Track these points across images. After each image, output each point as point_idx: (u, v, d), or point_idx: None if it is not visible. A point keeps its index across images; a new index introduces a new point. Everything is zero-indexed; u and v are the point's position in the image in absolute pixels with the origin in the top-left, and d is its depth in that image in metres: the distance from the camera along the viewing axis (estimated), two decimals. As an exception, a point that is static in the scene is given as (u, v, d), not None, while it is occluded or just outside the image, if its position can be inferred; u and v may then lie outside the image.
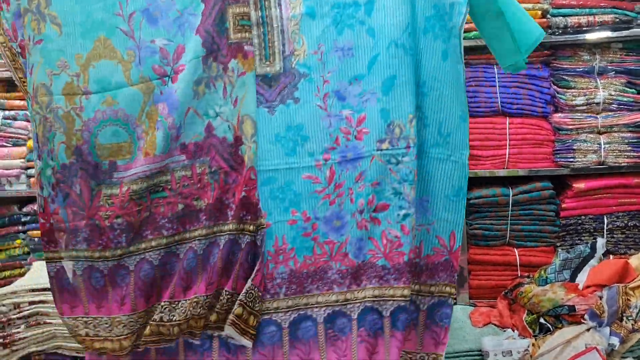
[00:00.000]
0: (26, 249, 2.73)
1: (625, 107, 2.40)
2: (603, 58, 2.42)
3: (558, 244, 2.44)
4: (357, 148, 1.32)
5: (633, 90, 2.41)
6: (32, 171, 2.67)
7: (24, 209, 2.72)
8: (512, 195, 2.41)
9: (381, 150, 1.31)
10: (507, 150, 2.42)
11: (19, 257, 2.73)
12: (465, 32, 2.27)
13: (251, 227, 1.35)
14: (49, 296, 2.28)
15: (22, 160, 2.68)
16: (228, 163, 1.33)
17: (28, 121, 2.68)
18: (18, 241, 2.72)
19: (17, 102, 2.70)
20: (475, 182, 2.48)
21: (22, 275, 2.66)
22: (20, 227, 2.73)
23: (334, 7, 1.30)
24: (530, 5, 2.39)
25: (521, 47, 1.31)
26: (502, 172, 2.44)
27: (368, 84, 1.32)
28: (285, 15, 1.29)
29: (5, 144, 2.70)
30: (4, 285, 2.58)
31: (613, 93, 2.39)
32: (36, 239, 2.68)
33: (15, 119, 2.70)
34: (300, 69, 1.30)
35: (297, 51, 1.30)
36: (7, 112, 2.71)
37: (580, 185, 2.38)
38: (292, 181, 1.33)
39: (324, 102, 1.31)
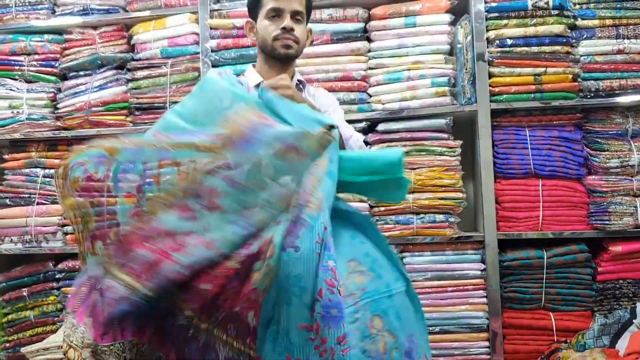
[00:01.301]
0: (59, 306, 2.81)
1: (661, 169, 2.43)
2: (636, 121, 2.47)
3: (595, 309, 2.45)
4: (340, 304, 1.22)
5: (668, 153, 2.44)
6: (68, 228, 2.79)
7: (59, 266, 2.81)
8: (547, 258, 2.44)
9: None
10: (541, 212, 2.46)
11: (52, 314, 2.82)
12: (496, 95, 2.39)
13: (238, 346, 1.22)
14: (83, 352, 2.36)
15: (59, 217, 2.80)
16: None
17: (66, 179, 2.81)
18: (52, 297, 2.81)
19: (57, 161, 2.84)
20: (509, 244, 2.52)
21: (54, 331, 2.75)
22: (54, 284, 2.82)
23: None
24: (560, 69, 2.46)
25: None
26: (536, 235, 2.47)
27: None
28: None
29: (44, 201, 2.83)
30: (37, 341, 2.67)
31: (647, 156, 2.43)
32: (69, 296, 2.76)
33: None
34: (306, 218, 1.27)
35: (310, 203, 1.29)
36: (47, 171, 2.84)
37: (617, 248, 2.40)
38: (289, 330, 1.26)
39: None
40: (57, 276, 2.82)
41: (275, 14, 1.74)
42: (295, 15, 1.75)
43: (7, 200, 2.86)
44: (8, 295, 2.85)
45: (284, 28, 1.72)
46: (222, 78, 1.52)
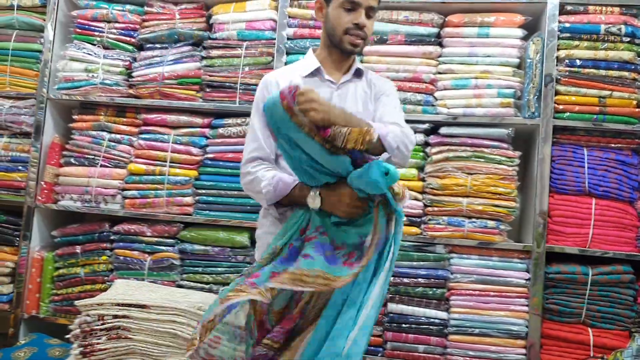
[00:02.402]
0: (110, 266, 2.96)
1: None
2: (693, 153, 2.58)
3: (633, 330, 2.55)
4: None
5: None
6: (127, 193, 2.93)
7: (115, 228, 2.95)
8: (592, 275, 2.55)
9: None
10: (591, 230, 2.57)
11: (102, 273, 2.96)
12: (559, 112, 2.51)
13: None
14: (132, 312, 2.52)
15: (121, 181, 2.95)
16: None
17: (131, 146, 2.97)
18: (104, 257, 2.95)
19: (124, 127, 3.00)
20: (555, 258, 2.63)
21: (102, 290, 2.89)
22: (107, 245, 2.97)
23: None
24: (626, 95, 2.58)
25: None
26: (584, 252, 2.57)
27: None
28: None
29: (107, 164, 2.98)
30: (85, 297, 2.81)
31: (701, 186, 2.54)
32: (121, 258, 2.91)
33: (119, 142, 2.99)
34: None
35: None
36: (113, 135, 3.00)
37: (661, 273, 2.51)
38: None
39: None
40: (111, 237, 2.97)
41: (351, 6, 1.76)
42: (369, 11, 1.79)
43: (72, 159, 3.02)
44: (61, 250, 2.99)
45: (357, 24, 1.76)
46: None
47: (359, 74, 1.94)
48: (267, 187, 1.74)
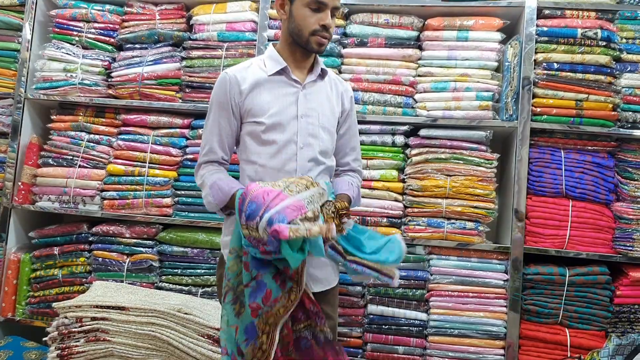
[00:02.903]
0: (88, 268, 2.95)
1: (686, 203, 2.60)
2: (668, 155, 2.65)
3: (610, 330, 2.60)
4: None
5: (695, 189, 2.62)
6: (106, 194, 2.93)
7: (93, 229, 2.94)
8: (569, 276, 2.59)
9: None
10: (568, 231, 2.62)
11: (80, 275, 2.95)
12: (535, 115, 2.56)
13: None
14: (111, 314, 2.51)
15: (99, 182, 2.95)
16: None
17: (110, 146, 2.96)
18: (82, 259, 2.95)
19: (102, 128, 3.00)
20: (533, 259, 2.68)
21: (80, 292, 2.89)
22: (86, 246, 2.96)
23: None
24: (602, 98, 2.64)
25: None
26: (560, 252, 2.62)
27: None
28: None
29: (86, 165, 2.97)
30: (62, 299, 2.80)
31: (675, 189, 2.60)
32: (99, 259, 2.90)
33: (98, 142, 2.99)
34: None
35: None
36: (92, 136, 3.00)
37: (637, 274, 2.56)
38: None
39: None
40: (90, 238, 2.96)
41: (318, 7, 1.72)
42: (334, 12, 1.76)
43: (50, 160, 3.01)
44: (39, 252, 2.98)
45: (324, 26, 1.73)
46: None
47: (322, 74, 1.91)
48: (207, 196, 1.74)
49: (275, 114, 1.77)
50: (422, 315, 2.69)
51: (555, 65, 2.67)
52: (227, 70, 1.82)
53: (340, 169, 2.03)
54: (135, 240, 2.91)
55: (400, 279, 2.68)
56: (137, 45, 3.03)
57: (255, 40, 2.88)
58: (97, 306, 2.54)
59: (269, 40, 2.86)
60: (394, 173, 2.76)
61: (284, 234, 1.37)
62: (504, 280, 2.65)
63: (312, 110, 1.82)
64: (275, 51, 1.85)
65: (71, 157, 2.99)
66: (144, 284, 2.87)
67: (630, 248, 2.59)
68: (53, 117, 3.05)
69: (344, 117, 1.98)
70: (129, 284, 2.86)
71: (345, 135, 2.00)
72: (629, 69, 2.64)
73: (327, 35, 1.76)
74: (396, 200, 2.75)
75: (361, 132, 2.69)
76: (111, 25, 3.06)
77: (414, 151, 2.75)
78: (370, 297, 2.73)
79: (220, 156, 1.82)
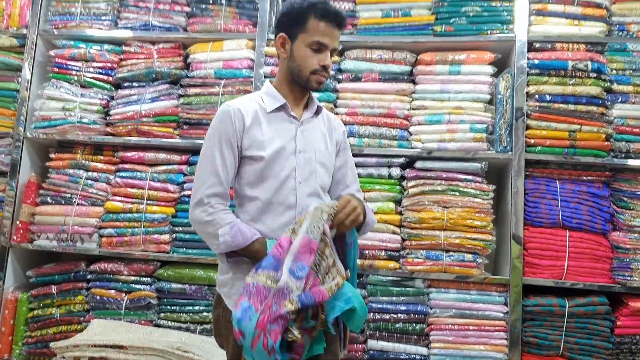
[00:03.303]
0: (86, 306, 2.95)
1: (683, 234, 2.62)
2: (662, 184, 2.68)
3: (611, 361, 2.59)
4: None
5: (690, 219, 2.64)
6: (104, 231, 2.95)
7: (91, 267, 2.96)
8: (568, 307, 2.60)
9: None
10: (566, 262, 2.63)
11: (77, 313, 2.94)
12: (531, 146, 2.60)
13: None
14: (110, 353, 2.52)
15: (98, 219, 2.97)
16: None
17: (108, 183, 3.00)
18: (80, 297, 2.95)
19: (101, 165, 3.04)
20: (533, 290, 2.69)
21: (78, 331, 2.88)
22: (84, 284, 2.97)
23: None
24: (595, 129, 2.68)
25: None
26: (559, 283, 2.63)
27: None
28: None
29: (84, 202, 3.00)
30: (60, 339, 2.79)
31: (671, 219, 2.62)
32: (98, 297, 2.90)
33: (97, 180, 3.02)
34: None
35: None
36: (90, 173, 3.03)
37: (636, 304, 2.57)
38: None
39: None
40: (88, 277, 2.97)
41: (318, 47, 1.76)
42: (333, 52, 1.82)
43: (48, 198, 3.04)
44: (36, 291, 2.98)
45: (324, 66, 1.78)
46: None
47: (317, 111, 1.95)
48: (224, 235, 1.69)
49: (275, 149, 1.78)
50: (423, 350, 2.69)
51: (548, 97, 2.73)
52: (228, 103, 1.83)
53: None
54: (133, 278, 2.92)
55: (400, 313, 2.70)
56: (135, 84, 3.09)
57: (252, 77, 2.94)
58: (95, 345, 2.54)
59: (265, 77, 2.92)
60: (391, 205, 2.79)
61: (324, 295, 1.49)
62: (504, 313, 2.65)
63: (309, 146, 1.85)
64: (273, 88, 1.88)
65: (69, 195, 3.02)
66: (143, 321, 2.87)
67: (629, 278, 2.60)
68: (52, 155, 3.10)
69: (339, 149, 2.02)
70: (127, 321, 2.85)
71: (343, 167, 2.02)
72: (620, 99, 2.69)
73: (327, 74, 1.81)
74: (394, 232, 2.77)
75: (358, 165, 2.72)
76: (109, 65, 3.12)
77: (411, 183, 2.78)
78: (370, 332, 2.72)
79: (225, 188, 1.77)
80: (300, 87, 1.85)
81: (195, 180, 1.78)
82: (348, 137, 2.68)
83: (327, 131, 1.97)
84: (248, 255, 1.71)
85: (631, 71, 2.72)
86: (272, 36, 2.97)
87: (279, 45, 1.83)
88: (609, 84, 2.71)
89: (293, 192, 1.78)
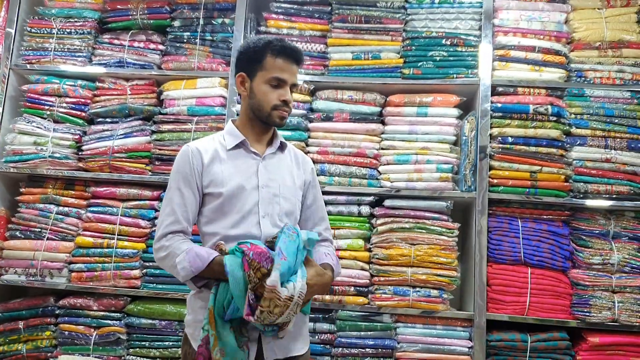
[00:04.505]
0: (54, 342, 2.98)
1: (638, 270, 2.79)
2: (617, 224, 2.86)
3: (572, 395, 2.72)
4: None
5: (645, 256, 2.81)
6: (74, 266, 2.99)
7: (60, 302, 2.99)
8: (530, 342, 2.73)
9: None
10: (528, 298, 2.77)
11: (44, 349, 2.97)
12: (492, 186, 2.74)
13: None
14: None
15: (68, 254, 3.02)
16: None
17: (79, 218, 3.05)
18: (48, 333, 2.98)
19: (72, 200, 3.10)
20: (496, 326, 2.82)
21: (45, 367, 2.89)
22: (52, 319, 3.00)
23: None
24: (555, 170, 2.86)
25: None
26: (521, 319, 2.77)
27: None
28: None
29: (54, 237, 3.04)
30: (26, 376, 2.81)
31: (626, 256, 2.80)
32: (66, 333, 2.94)
33: (67, 215, 3.08)
34: None
35: None
36: (61, 208, 3.08)
37: (594, 339, 2.71)
38: None
39: None
40: (56, 312, 3.00)
41: (277, 83, 1.86)
42: (292, 88, 1.91)
43: (18, 232, 3.08)
44: (3, 327, 3.01)
45: (284, 101, 1.87)
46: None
47: (282, 147, 2.03)
48: (182, 262, 1.75)
49: (235, 185, 1.85)
50: (391, 384, 2.79)
51: (510, 139, 2.89)
52: (188, 143, 1.94)
53: None
54: (102, 313, 2.96)
55: (368, 347, 2.80)
56: (108, 119, 3.17)
57: (225, 115, 3.05)
58: (61, 383, 2.58)
59: (237, 114, 3.03)
60: (361, 242, 2.91)
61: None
62: (469, 347, 2.77)
63: (272, 180, 1.93)
64: (234, 126, 1.97)
65: (39, 230, 3.06)
66: (112, 357, 2.91)
67: (588, 314, 2.75)
68: (22, 189, 3.14)
69: (307, 187, 2.10)
70: (95, 357, 2.89)
71: (312, 205, 2.11)
72: (578, 142, 2.87)
73: (288, 109, 1.89)
74: (362, 269, 2.88)
75: (328, 203, 2.86)
76: (83, 100, 3.20)
77: (379, 221, 2.90)
78: (339, 367, 2.81)
79: (185, 226, 1.85)
80: (261, 124, 1.93)
81: (158, 220, 1.90)
82: (319, 175, 2.82)
83: (294, 166, 2.05)
84: (211, 277, 1.76)
85: (588, 115, 2.91)
86: (245, 75, 3.08)
87: (238, 84, 1.93)
88: (568, 127, 2.89)
89: (257, 226, 1.85)
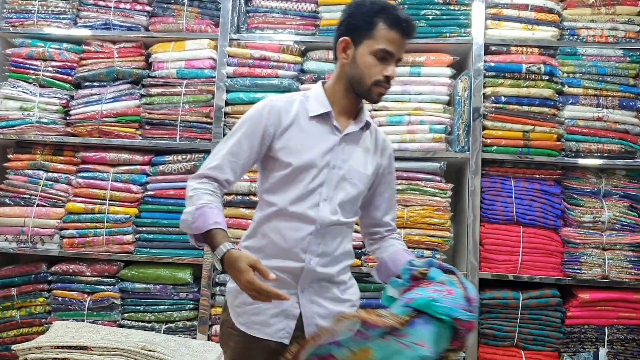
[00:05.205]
0: (47, 308, 3.00)
1: (628, 227, 2.86)
2: (608, 182, 2.92)
3: (562, 350, 2.81)
4: None
5: (635, 213, 2.87)
6: (65, 232, 3.00)
7: (52, 268, 3.01)
8: (522, 300, 2.80)
9: None
10: (520, 257, 2.83)
11: (39, 315, 3.00)
12: (487, 145, 2.76)
13: None
14: (73, 354, 2.57)
15: (58, 221, 3.02)
16: None
17: (69, 184, 3.04)
18: (41, 299, 3.00)
19: (61, 166, 3.08)
20: (488, 284, 2.88)
21: (40, 333, 2.92)
22: (45, 286, 3.02)
23: None
24: (547, 129, 2.88)
25: None
26: (513, 277, 2.83)
27: None
28: None
29: (44, 203, 3.04)
30: (21, 341, 2.83)
31: (617, 214, 2.85)
32: (59, 299, 2.96)
33: (57, 181, 3.07)
34: None
35: None
36: (50, 174, 3.08)
37: (585, 295, 2.78)
38: None
39: None
40: (49, 278, 3.02)
41: (384, 55, 1.65)
42: (397, 62, 1.71)
43: (7, 200, 3.07)
44: (-5, 294, 3.01)
45: (388, 77, 1.67)
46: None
47: (366, 125, 1.82)
48: (186, 214, 1.63)
49: (307, 159, 1.70)
50: (384, 343, 2.84)
51: (503, 99, 2.91)
52: (272, 98, 1.77)
53: (382, 229, 1.95)
54: (96, 279, 2.98)
55: (360, 307, 2.84)
56: (95, 83, 3.15)
57: (214, 77, 3.03)
58: (58, 347, 2.59)
59: (227, 77, 3.01)
60: (354, 204, 2.93)
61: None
62: (462, 306, 2.83)
63: (345, 162, 1.74)
64: (323, 92, 1.76)
65: (29, 196, 3.06)
66: (106, 322, 2.94)
67: (578, 271, 2.81)
68: (10, 156, 3.12)
69: (383, 173, 1.89)
70: (90, 322, 2.92)
71: (384, 193, 1.92)
72: (570, 101, 2.90)
73: (388, 86, 1.70)
74: (356, 231, 2.89)
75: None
76: (69, 64, 3.16)
77: (372, 183, 2.92)
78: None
79: (225, 178, 1.71)
80: (355, 97, 1.74)
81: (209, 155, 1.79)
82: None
83: (372, 148, 1.85)
84: (208, 243, 1.62)
85: (581, 74, 2.93)
86: (234, 36, 3.06)
87: (340, 49, 1.72)
88: (560, 86, 2.92)
89: (315, 209, 1.69)
